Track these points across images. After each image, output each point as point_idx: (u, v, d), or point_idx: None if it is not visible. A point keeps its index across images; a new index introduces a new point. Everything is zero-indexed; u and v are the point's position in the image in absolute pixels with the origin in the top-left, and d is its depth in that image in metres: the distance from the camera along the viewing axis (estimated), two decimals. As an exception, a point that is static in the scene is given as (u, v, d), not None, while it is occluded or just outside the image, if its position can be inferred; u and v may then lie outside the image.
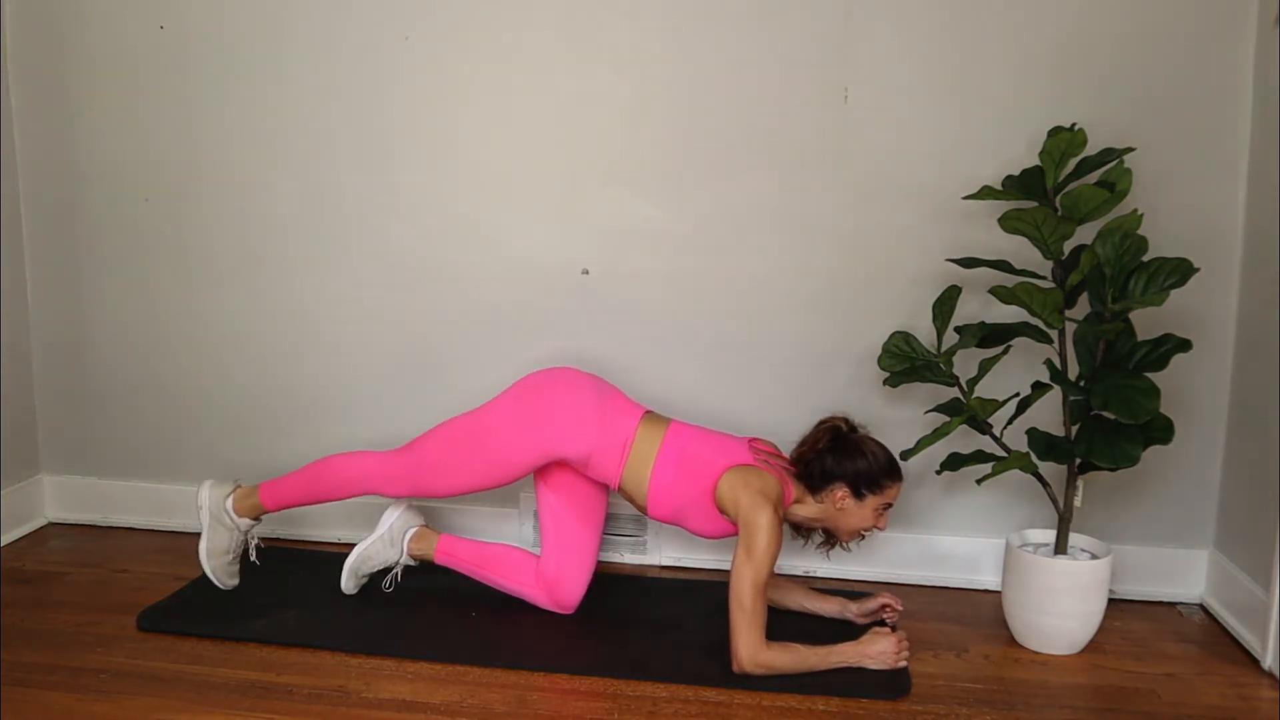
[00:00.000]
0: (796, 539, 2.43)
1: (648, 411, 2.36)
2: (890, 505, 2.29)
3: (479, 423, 2.35)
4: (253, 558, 2.60)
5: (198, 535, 2.90)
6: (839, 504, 2.27)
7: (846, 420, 2.33)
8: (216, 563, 2.49)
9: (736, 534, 2.20)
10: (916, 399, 2.60)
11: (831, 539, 2.38)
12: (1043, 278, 2.30)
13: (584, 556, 2.42)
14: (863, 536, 2.34)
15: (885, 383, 2.42)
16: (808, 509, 2.31)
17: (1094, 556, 2.34)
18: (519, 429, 2.31)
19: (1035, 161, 2.34)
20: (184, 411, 2.93)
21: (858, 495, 2.26)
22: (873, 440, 2.30)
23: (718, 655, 2.20)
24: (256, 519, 2.51)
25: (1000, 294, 2.23)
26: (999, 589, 2.50)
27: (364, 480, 2.41)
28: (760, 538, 2.12)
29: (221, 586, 2.51)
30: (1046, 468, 2.40)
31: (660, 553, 2.79)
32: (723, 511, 2.25)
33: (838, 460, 2.26)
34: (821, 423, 2.33)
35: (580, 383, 2.35)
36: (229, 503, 2.48)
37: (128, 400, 2.95)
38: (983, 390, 2.46)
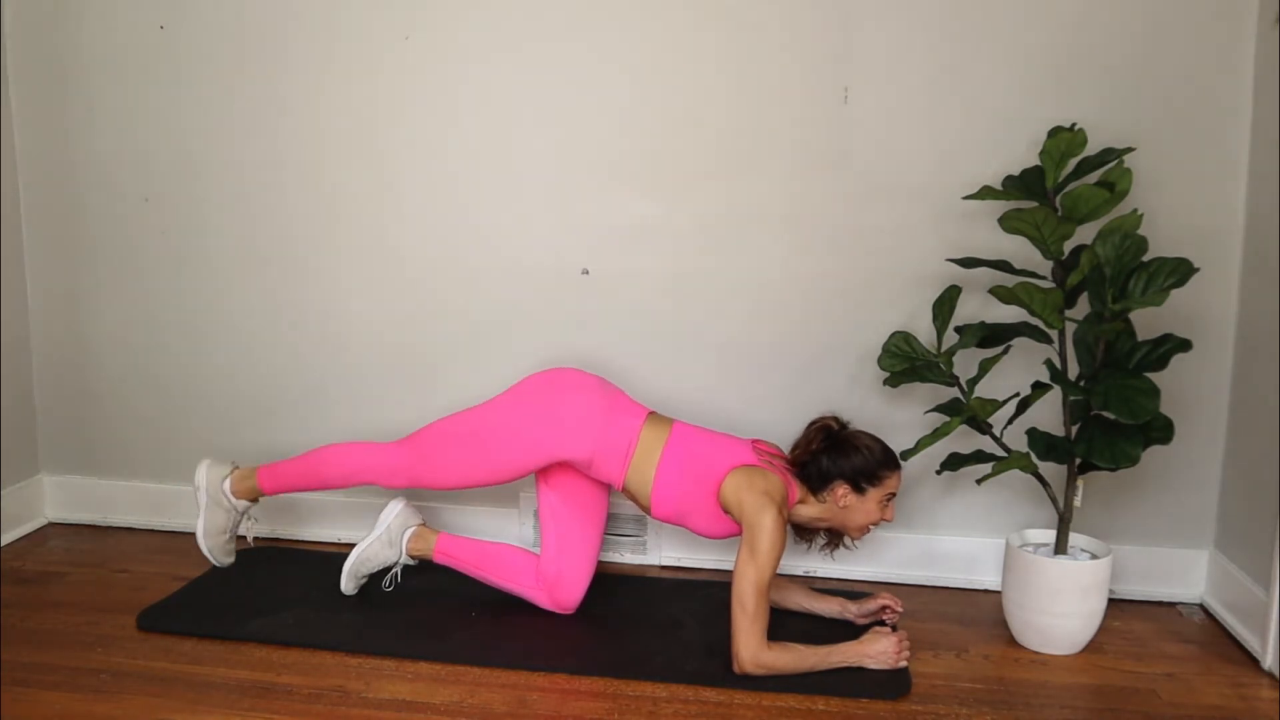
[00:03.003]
0: (800, 543, 2.43)
1: (651, 412, 2.36)
2: (893, 495, 2.29)
3: (483, 420, 2.35)
4: (250, 541, 2.64)
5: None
6: (842, 502, 2.27)
7: (836, 418, 2.33)
8: (213, 542, 2.53)
9: (740, 534, 2.20)
10: (916, 399, 2.60)
11: (835, 540, 2.38)
12: (1043, 278, 2.30)
13: (584, 556, 2.42)
14: (870, 530, 2.34)
15: (885, 383, 2.42)
16: (812, 509, 2.31)
17: (1094, 556, 2.34)
18: (523, 429, 2.31)
19: (1035, 161, 2.34)
20: (184, 411, 2.93)
21: (859, 490, 2.26)
22: (865, 434, 2.30)
23: (718, 655, 2.20)
24: (254, 500, 2.54)
25: (1000, 294, 2.23)
26: (999, 589, 2.50)
27: (363, 471, 2.41)
28: (764, 538, 2.12)
29: (218, 564, 2.56)
30: (1046, 468, 2.40)
31: (660, 553, 2.79)
32: (727, 512, 2.25)
33: (833, 459, 2.26)
34: (811, 424, 2.33)
35: (585, 384, 2.35)
36: (227, 484, 2.52)
37: (128, 400, 2.95)
38: (983, 390, 2.47)
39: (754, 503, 2.16)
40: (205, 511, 2.52)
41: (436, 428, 2.39)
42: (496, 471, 2.34)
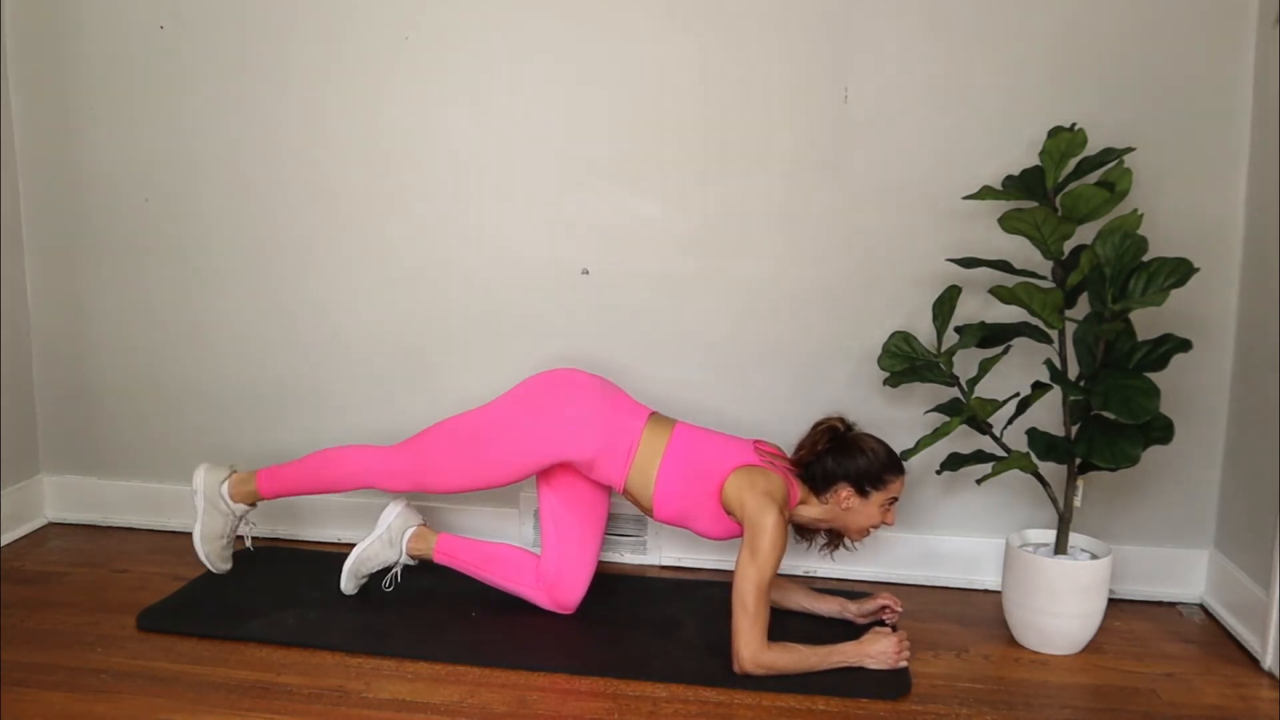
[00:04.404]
0: (800, 542, 2.43)
1: (653, 413, 2.36)
2: (896, 499, 2.29)
3: (485, 422, 2.34)
4: (248, 544, 2.63)
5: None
6: (844, 504, 2.27)
7: (843, 420, 2.33)
8: (210, 547, 2.52)
9: (742, 535, 2.20)
10: (916, 399, 2.60)
11: (835, 540, 2.38)
12: (1043, 278, 2.30)
13: (585, 557, 2.42)
14: (870, 533, 2.34)
15: (885, 383, 2.42)
16: (813, 510, 2.31)
17: (1094, 556, 2.34)
18: (525, 431, 2.31)
19: (1035, 161, 2.34)
20: (184, 411, 2.93)
21: (862, 493, 2.26)
22: (871, 437, 2.30)
23: (718, 655, 2.20)
24: (252, 505, 2.54)
25: (1000, 294, 2.23)
26: (999, 589, 2.50)
27: (365, 474, 2.41)
28: (765, 539, 2.12)
29: (215, 570, 2.55)
30: (1046, 468, 2.40)
31: (660, 553, 2.79)
32: (729, 512, 2.25)
33: (838, 461, 2.26)
34: (818, 424, 2.33)
35: (586, 385, 2.35)
36: (224, 487, 2.51)
37: (128, 400, 2.95)
38: (983, 390, 2.46)
39: (756, 503, 2.16)
40: (203, 516, 2.51)
41: (438, 430, 2.38)
42: (498, 474, 2.34)
